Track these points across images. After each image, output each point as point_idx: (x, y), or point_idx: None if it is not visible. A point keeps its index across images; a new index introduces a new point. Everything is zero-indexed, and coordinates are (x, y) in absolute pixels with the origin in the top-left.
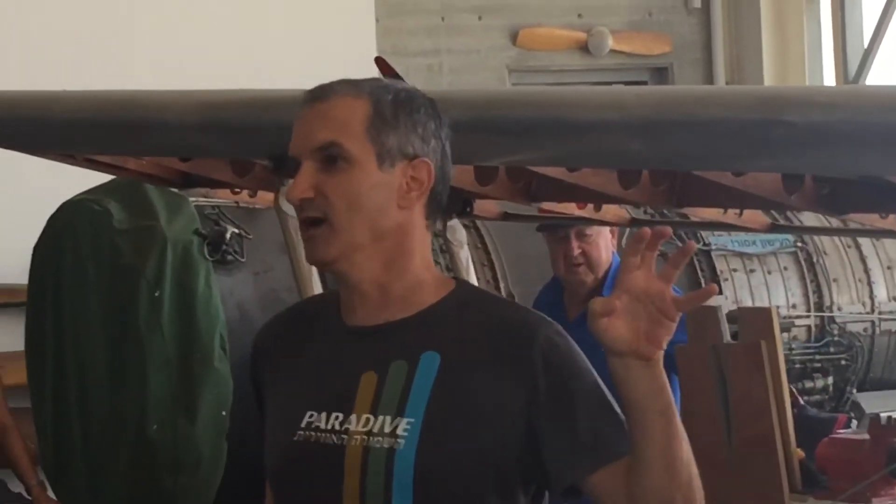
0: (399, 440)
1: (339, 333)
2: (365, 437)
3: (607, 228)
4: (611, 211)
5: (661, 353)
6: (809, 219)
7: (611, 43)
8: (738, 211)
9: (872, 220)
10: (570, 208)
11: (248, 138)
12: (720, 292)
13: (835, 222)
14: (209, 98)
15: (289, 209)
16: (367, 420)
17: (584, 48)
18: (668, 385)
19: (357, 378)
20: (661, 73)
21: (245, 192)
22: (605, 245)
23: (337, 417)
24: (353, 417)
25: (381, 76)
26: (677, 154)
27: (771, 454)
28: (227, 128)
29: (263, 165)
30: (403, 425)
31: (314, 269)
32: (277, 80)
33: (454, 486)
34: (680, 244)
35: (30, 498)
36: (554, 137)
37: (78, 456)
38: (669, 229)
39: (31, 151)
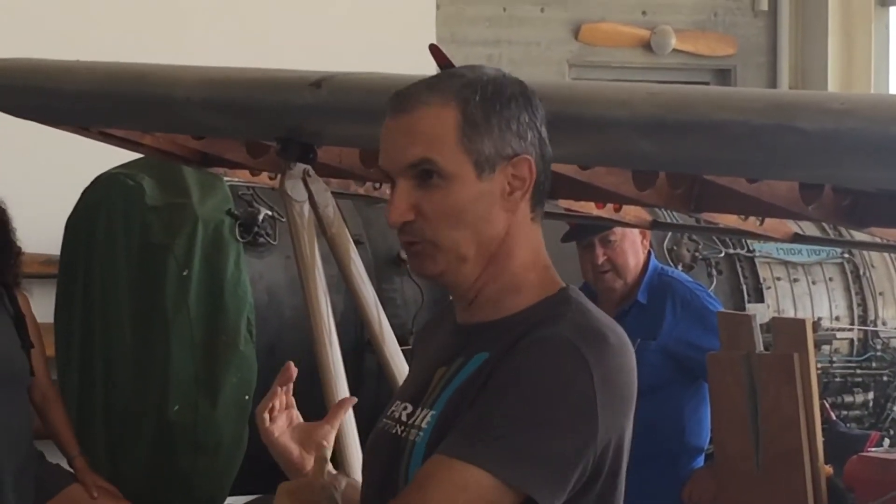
0: (421, 432)
1: (447, 332)
2: (414, 430)
3: (635, 231)
4: (631, 212)
5: None
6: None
7: (674, 42)
8: (759, 219)
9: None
10: (589, 207)
11: (254, 119)
12: (762, 300)
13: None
14: (217, 75)
15: (295, 193)
16: (423, 412)
17: (646, 46)
18: None
19: (434, 372)
20: (724, 75)
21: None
22: (632, 250)
23: (406, 408)
24: (418, 410)
25: (437, 65)
26: (687, 157)
27: (798, 469)
28: (232, 107)
29: None
30: (427, 418)
31: (317, 258)
32: (334, 63)
33: None
34: (721, 248)
35: (70, 470)
36: (560, 132)
37: (99, 432)
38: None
39: (46, 122)
